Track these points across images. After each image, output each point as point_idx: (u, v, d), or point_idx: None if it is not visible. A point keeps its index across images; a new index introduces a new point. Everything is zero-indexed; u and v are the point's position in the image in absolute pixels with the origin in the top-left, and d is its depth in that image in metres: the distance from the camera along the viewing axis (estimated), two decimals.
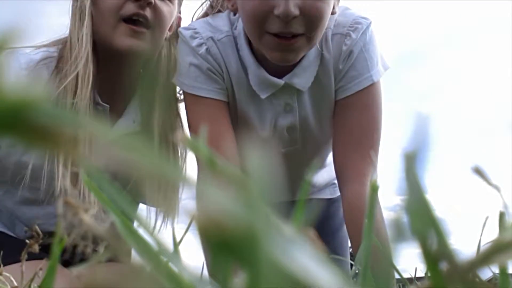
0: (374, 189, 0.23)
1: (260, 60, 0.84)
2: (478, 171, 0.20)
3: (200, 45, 0.85)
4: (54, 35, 0.94)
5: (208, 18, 0.90)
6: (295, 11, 0.72)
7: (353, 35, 0.84)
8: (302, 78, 0.85)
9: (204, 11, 0.94)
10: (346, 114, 0.86)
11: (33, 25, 0.10)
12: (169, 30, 0.94)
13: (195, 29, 0.86)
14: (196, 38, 0.85)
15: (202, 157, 0.15)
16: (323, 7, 0.74)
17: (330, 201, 1.13)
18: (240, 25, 0.86)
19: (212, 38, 0.85)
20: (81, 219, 0.20)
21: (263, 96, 0.85)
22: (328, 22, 0.81)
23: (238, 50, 0.86)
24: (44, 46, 0.92)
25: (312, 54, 0.84)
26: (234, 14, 0.87)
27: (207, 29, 0.86)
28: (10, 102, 0.09)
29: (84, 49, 0.84)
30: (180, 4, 0.97)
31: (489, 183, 0.20)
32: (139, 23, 0.85)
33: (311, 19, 0.74)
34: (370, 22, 0.86)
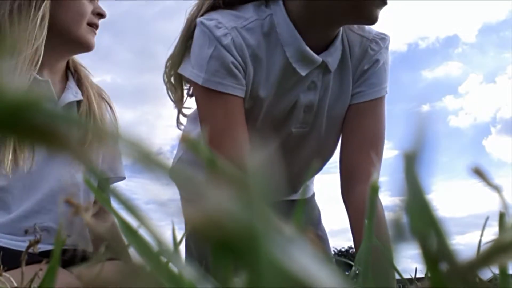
0: (375, 189, 0.23)
1: (302, 36, 0.84)
2: (478, 172, 0.20)
3: (225, 35, 0.81)
4: None
5: (230, 10, 0.86)
6: None
7: (381, 44, 0.90)
8: (334, 58, 0.87)
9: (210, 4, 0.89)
10: (360, 119, 0.90)
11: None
12: None
13: (217, 19, 0.83)
14: (220, 28, 0.81)
15: (203, 157, 0.15)
16: None
17: (294, 203, 1.12)
18: (279, 3, 0.85)
19: (236, 28, 0.82)
20: (82, 219, 0.20)
21: (303, 73, 0.85)
22: None
23: (272, 28, 0.85)
24: None
25: (338, 36, 0.87)
26: None
27: (231, 19, 0.83)
28: (10, 102, 0.09)
29: (41, 35, 0.92)
30: None
31: (489, 184, 0.20)
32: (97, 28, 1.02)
33: None
34: (389, 43, 0.92)
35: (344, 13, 0.80)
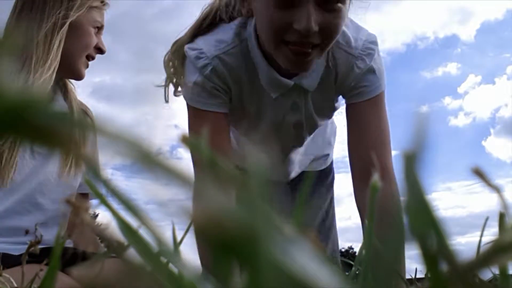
0: (375, 189, 0.23)
1: (271, 61, 0.89)
2: (478, 172, 0.20)
3: (205, 66, 0.89)
4: None
5: (210, 35, 0.92)
6: (315, 27, 0.77)
7: (367, 61, 0.91)
8: (310, 80, 0.92)
9: (212, 15, 0.94)
10: (364, 118, 0.92)
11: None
12: None
13: (200, 49, 0.90)
14: (201, 58, 0.89)
15: (203, 157, 0.15)
16: (339, 23, 0.80)
17: (322, 172, 1.26)
18: (251, 27, 0.90)
19: (217, 56, 0.89)
20: (82, 219, 0.20)
21: (274, 96, 0.92)
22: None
23: (248, 53, 0.91)
24: None
25: (320, 60, 0.90)
26: (247, 18, 0.91)
27: (212, 46, 0.90)
28: (11, 102, 0.09)
29: (56, 58, 0.97)
30: None
31: (489, 184, 0.20)
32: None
33: (328, 34, 0.80)
34: (377, 46, 0.94)
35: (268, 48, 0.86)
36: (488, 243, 0.15)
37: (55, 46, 0.97)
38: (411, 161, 0.14)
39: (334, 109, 1.02)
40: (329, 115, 1.04)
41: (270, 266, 0.10)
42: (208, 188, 0.11)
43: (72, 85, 1.13)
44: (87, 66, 1.07)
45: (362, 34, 0.94)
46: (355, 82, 0.92)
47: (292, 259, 0.11)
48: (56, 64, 0.97)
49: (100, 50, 1.09)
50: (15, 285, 0.44)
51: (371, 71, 0.92)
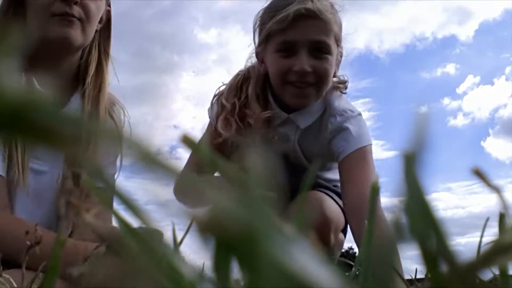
0: (375, 190, 0.23)
1: (277, 100, 1.17)
2: (478, 172, 0.20)
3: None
4: None
5: None
6: (308, 68, 1.08)
7: (338, 119, 1.16)
8: (303, 119, 1.17)
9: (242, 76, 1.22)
10: (352, 170, 1.11)
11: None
12: (99, 22, 1.01)
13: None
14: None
15: (203, 158, 0.15)
16: (327, 67, 1.11)
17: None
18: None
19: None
20: (83, 219, 0.20)
21: (275, 123, 1.17)
22: (334, 99, 1.18)
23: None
24: None
25: (317, 106, 1.16)
26: (265, 72, 1.19)
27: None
28: (12, 102, 0.09)
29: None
30: None
31: (489, 184, 0.20)
32: (68, 15, 0.91)
33: (319, 74, 1.09)
34: (361, 116, 1.18)
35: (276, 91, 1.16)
36: (488, 243, 0.15)
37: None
38: (411, 161, 0.14)
39: (326, 162, 1.24)
40: (320, 151, 1.21)
41: (270, 266, 0.10)
42: (210, 188, 0.11)
43: (104, 80, 1.01)
44: (66, 25, 0.90)
45: (348, 104, 1.20)
46: (331, 135, 1.15)
47: (292, 259, 0.11)
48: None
49: (70, 2, 0.91)
50: (15, 285, 0.44)
51: (345, 129, 1.14)
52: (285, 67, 1.09)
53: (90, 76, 1.00)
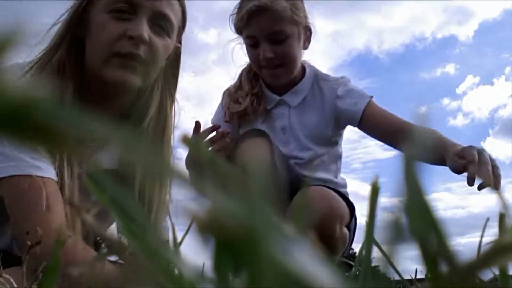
0: (375, 190, 0.23)
1: (268, 86, 1.42)
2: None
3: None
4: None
5: None
6: (270, 54, 1.30)
7: (335, 85, 1.40)
8: (292, 98, 1.40)
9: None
10: (376, 123, 1.33)
11: (30, 26, 0.10)
12: (166, 59, 0.93)
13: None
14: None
15: (204, 158, 0.15)
16: (287, 49, 1.31)
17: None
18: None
19: None
20: (83, 219, 0.20)
21: (269, 107, 1.41)
22: (318, 72, 1.45)
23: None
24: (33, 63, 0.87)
25: (304, 84, 1.40)
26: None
27: None
28: (12, 101, 0.09)
29: (72, 82, 0.81)
30: (180, 34, 0.96)
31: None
32: (132, 57, 0.83)
33: (282, 57, 1.31)
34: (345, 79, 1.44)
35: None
36: (488, 243, 0.15)
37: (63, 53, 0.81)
38: (411, 162, 0.14)
39: (324, 133, 1.39)
40: (319, 139, 1.39)
41: (270, 266, 0.10)
42: (210, 188, 0.11)
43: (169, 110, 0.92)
44: (123, 67, 0.81)
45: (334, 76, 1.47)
46: (346, 101, 1.36)
47: (292, 259, 0.11)
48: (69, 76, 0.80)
49: (130, 38, 0.81)
50: (15, 285, 0.44)
51: (349, 90, 1.37)
52: (254, 56, 1.33)
53: (149, 118, 0.91)
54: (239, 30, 1.36)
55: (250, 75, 1.44)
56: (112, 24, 0.82)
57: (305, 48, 1.40)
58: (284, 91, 1.41)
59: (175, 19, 0.89)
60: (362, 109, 1.33)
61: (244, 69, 1.48)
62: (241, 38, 1.39)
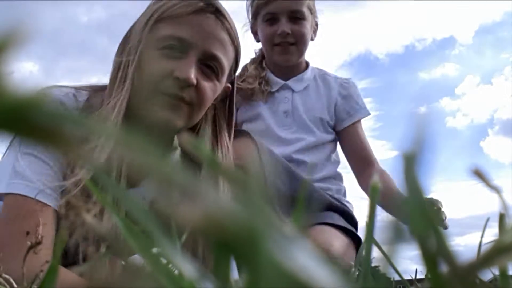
0: (375, 190, 0.23)
1: (274, 71, 1.51)
2: (477, 173, 0.20)
3: None
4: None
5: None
6: (288, 30, 1.40)
7: (343, 82, 1.52)
8: (296, 84, 1.49)
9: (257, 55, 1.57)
10: (351, 139, 1.46)
11: (29, 26, 0.10)
12: (214, 101, 0.90)
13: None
14: None
15: (204, 158, 0.15)
16: (303, 30, 1.43)
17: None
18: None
19: None
20: (84, 219, 0.20)
21: (272, 90, 1.47)
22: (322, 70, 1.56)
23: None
24: (77, 88, 0.87)
25: (308, 73, 1.50)
26: (258, 41, 1.53)
27: None
28: (12, 101, 0.09)
29: (115, 117, 0.78)
30: (231, 75, 0.92)
31: (489, 185, 0.20)
32: (176, 98, 0.80)
33: (297, 36, 1.42)
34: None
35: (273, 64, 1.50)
36: (488, 243, 0.15)
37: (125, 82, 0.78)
38: (411, 162, 0.14)
39: (324, 122, 1.45)
40: (322, 124, 1.45)
41: (270, 266, 0.10)
42: (209, 187, 0.11)
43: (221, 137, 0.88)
44: (168, 108, 0.79)
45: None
46: (346, 104, 1.47)
47: (292, 259, 0.11)
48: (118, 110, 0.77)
49: (178, 80, 0.78)
50: (15, 285, 0.44)
51: (356, 95, 1.50)
52: (271, 32, 1.42)
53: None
54: (258, 9, 1.44)
55: (256, 63, 1.52)
56: (161, 61, 0.80)
57: (312, 39, 1.49)
58: (288, 77, 1.48)
59: (226, 61, 0.85)
60: (353, 121, 1.45)
61: (250, 60, 1.55)
62: (253, 21, 1.49)
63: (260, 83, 1.47)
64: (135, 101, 0.80)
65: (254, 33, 1.53)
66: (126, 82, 0.81)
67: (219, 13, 0.84)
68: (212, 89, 0.84)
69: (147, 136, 0.11)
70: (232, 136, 0.94)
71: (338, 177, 1.47)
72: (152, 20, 0.82)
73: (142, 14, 0.86)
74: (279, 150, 1.37)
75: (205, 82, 0.83)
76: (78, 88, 0.87)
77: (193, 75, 0.79)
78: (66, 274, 0.64)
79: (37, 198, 0.72)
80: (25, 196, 0.73)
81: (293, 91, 1.48)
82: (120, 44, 0.87)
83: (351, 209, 1.38)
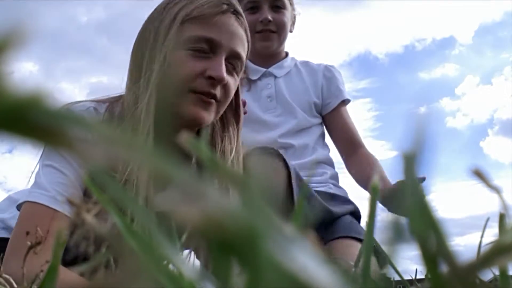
0: (375, 190, 0.23)
1: (253, 61, 1.53)
2: (477, 173, 0.20)
3: None
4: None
5: None
6: (270, 18, 1.45)
7: (325, 68, 1.56)
8: (277, 70, 1.52)
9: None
10: (338, 121, 1.49)
11: (29, 26, 0.10)
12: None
13: None
14: None
15: (204, 158, 0.15)
16: (284, 18, 1.48)
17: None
18: None
19: None
20: (84, 219, 0.20)
21: (253, 78, 1.50)
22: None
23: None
24: (96, 101, 0.88)
25: (287, 61, 1.54)
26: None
27: None
28: (12, 101, 0.09)
29: (145, 123, 0.79)
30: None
31: (489, 185, 0.20)
32: (209, 95, 0.84)
33: (278, 23, 1.47)
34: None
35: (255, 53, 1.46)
36: (488, 244, 0.15)
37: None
38: (411, 162, 0.14)
39: (311, 105, 1.47)
40: (306, 106, 1.47)
41: (270, 266, 0.10)
42: (209, 187, 0.11)
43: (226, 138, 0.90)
44: (200, 105, 0.83)
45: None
46: (329, 86, 1.50)
47: (292, 259, 0.11)
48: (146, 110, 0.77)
49: (209, 78, 0.81)
50: (15, 285, 0.44)
51: (337, 78, 1.52)
52: (252, 20, 1.44)
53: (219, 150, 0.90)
54: None
55: None
56: (192, 61, 0.83)
57: (291, 31, 1.55)
58: (269, 65, 1.52)
59: (244, 57, 0.91)
60: (338, 103, 1.47)
61: None
62: None
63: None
64: (163, 101, 0.80)
65: None
66: (150, 82, 0.81)
67: (237, 13, 0.89)
68: (234, 85, 0.90)
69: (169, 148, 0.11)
70: (241, 128, 0.96)
71: (329, 162, 1.48)
72: (178, 20, 0.84)
73: (160, 13, 0.87)
74: (266, 135, 1.39)
75: (230, 78, 0.88)
76: (96, 101, 0.88)
77: (225, 74, 0.84)
78: (66, 274, 0.65)
79: (50, 205, 0.75)
80: (40, 203, 0.76)
81: (275, 77, 1.51)
82: (138, 45, 0.87)
83: (346, 195, 1.40)
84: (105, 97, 0.91)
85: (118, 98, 0.90)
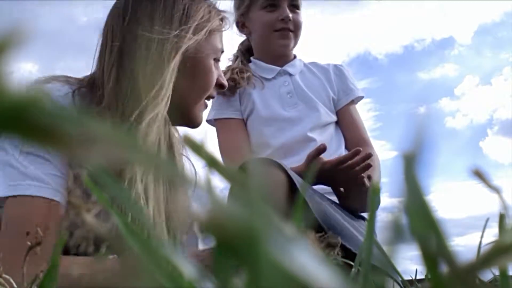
0: (375, 190, 0.23)
1: (265, 61, 1.54)
2: (477, 173, 0.20)
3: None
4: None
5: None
6: (290, 16, 1.45)
7: (342, 65, 1.58)
8: (292, 68, 1.53)
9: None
10: (347, 119, 1.48)
11: (28, 27, 0.10)
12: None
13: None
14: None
15: (204, 158, 0.15)
16: (301, 19, 1.51)
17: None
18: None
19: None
20: (83, 218, 0.20)
21: (269, 77, 1.50)
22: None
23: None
24: (65, 81, 0.84)
25: (298, 61, 1.55)
26: (249, 35, 1.58)
27: None
28: (12, 101, 0.09)
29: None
30: None
31: (489, 185, 0.20)
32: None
33: (296, 23, 1.48)
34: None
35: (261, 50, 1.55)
36: (488, 244, 0.15)
37: (166, 81, 0.77)
38: (410, 162, 0.14)
39: (330, 100, 1.47)
40: (325, 101, 1.47)
41: (270, 266, 0.10)
42: (209, 187, 0.11)
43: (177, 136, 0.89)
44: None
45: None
46: (341, 84, 1.51)
47: (292, 259, 0.11)
48: (164, 105, 0.76)
49: (221, 86, 0.86)
50: (15, 285, 0.44)
51: (347, 74, 1.53)
52: (272, 18, 1.46)
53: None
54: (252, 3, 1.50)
55: (241, 57, 1.57)
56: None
57: None
58: (281, 65, 1.52)
59: None
60: (349, 100, 1.47)
61: (233, 57, 1.59)
62: (243, 13, 1.52)
63: (248, 76, 1.48)
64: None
65: (241, 26, 1.55)
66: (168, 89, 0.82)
67: None
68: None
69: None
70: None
71: None
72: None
73: None
74: (293, 131, 1.38)
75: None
76: (65, 81, 0.83)
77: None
78: (70, 260, 0.62)
79: (55, 198, 0.71)
80: (42, 197, 0.71)
81: (290, 75, 1.52)
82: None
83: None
84: (81, 78, 0.87)
85: (92, 81, 0.85)
